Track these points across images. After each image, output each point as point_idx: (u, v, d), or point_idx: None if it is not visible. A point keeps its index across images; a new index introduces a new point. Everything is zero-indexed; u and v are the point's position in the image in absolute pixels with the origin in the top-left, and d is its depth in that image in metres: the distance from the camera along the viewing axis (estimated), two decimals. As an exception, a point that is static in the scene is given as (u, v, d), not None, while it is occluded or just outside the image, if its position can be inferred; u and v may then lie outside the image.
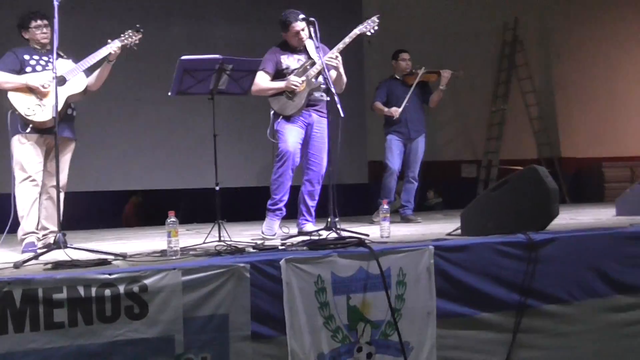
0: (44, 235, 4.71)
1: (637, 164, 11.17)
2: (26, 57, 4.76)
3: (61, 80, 4.59)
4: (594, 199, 10.28)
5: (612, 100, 11.84)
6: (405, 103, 6.74)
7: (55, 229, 4.62)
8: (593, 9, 11.72)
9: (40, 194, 4.69)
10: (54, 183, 4.55)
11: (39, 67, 4.75)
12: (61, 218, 4.19)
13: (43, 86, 4.61)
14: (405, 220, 6.70)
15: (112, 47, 4.73)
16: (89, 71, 4.82)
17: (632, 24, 12.14)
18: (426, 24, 10.71)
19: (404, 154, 6.91)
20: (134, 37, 4.79)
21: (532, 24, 11.57)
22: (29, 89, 4.63)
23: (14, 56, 4.75)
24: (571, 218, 6.20)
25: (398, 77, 7.06)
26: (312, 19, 4.92)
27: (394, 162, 6.83)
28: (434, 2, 10.78)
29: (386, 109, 6.84)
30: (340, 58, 5.16)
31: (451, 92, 10.70)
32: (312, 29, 4.92)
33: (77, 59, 4.82)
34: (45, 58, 4.79)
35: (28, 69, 4.73)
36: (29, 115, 4.58)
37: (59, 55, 4.54)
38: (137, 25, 4.81)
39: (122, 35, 4.78)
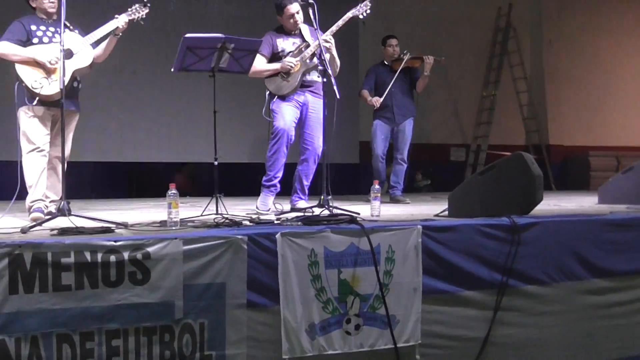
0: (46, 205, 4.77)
1: (623, 153, 11.34)
2: (33, 27, 4.73)
3: (68, 54, 4.58)
4: (580, 187, 10.42)
5: (601, 89, 11.94)
6: (389, 89, 6.93)
7: (57, 198, 4.74)
8: (585, -2, 11.86)
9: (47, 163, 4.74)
10: (57, 154, 4.64)
11: (45, 39, 4.73)
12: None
13: (50, 62, 4.61)
14: (394, 200, 6.87)
15: (120, 21, 4.76)
16: (95, 43, 4.85)
17: (626, 14, 12.19)
18: (421, 7, 10.77)
19: (392, 137, 7.11)
20: (141, 12, 4.82)
21: (526, 10, 11.63)
22: (36, 62, 4.62)
23: (20, 26, 4.71)
24: (555, 204, 6.34)
25: (386, 63, 7.23)
26: (311, 1, 5.05)
27: (378, 146, 7.07)
28: (430, -15, 10.86)
29: (369, 98, 7.05)
30: (333, 41, 5.29)
31: (443, 76, 10.91)
32: (310, 11, 5.03)
33: (83, 30, 4.85)
34: (52, 29, 4.77)
35: (35, 40, 4.70)
36: (35, 89, 4.59)
37: (65, 27, 4.54)
38: (145, 0, 4.84)
39: (129, 9, 4.80)
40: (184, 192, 8.68)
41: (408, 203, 6.76)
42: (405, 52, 7.09)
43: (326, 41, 5.23)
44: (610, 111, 12.00)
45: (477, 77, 11.37)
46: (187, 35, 4.60)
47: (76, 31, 4.84)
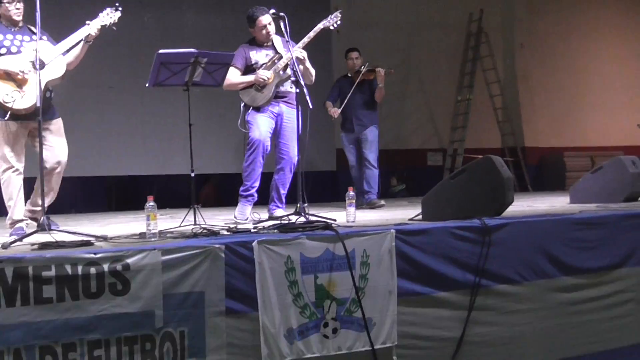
0: (33, 210, 4.77)
1: (597, 153, 11.52)
2: (0, 36, 4.60)
3: (40, 65, 4.39)
4: (556, 188, 10.55)
5: (573, 91, 12.11)
6: (346, 101, 7.19)
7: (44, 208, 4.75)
8: (556, 1, 12.04)
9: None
10: (55, 162, 4.68)
11: (13, 48, 4.59)
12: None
13: (22, 71, 4.46)
14: (370, 205, 6.99)
15: (91, 28, 4.67)
16: (66, 51, 4.74)
17: (596, 17, 12.39)
18: (393, 15, 10.90)
19: (358, 146, 7.32)
20: (112, 16, 4.74)
21: (497, 15, 11.77)
22: (7, 74, 4.47)
23: None
24: (528, 205, 6.47)
25: (349, 75, 7.42)
26: (282, 14, 5.15)
27: (349, 157, 7.40)
28: (401, -7, 10.99)
29: (329, 110, 7.27)
30: (305, 53, 5.39)
31: (418, 82, 11.05)
32: (282, 24, 5.13)
33: (54, 38, 4.76)
34: (19, 37, 4.62)
35: (2, 50, 4.56)
36: (7, 103, 4.44)
37: (33, 34, 4.45)
38: (117, 4, 4.78)
39: (100, 14, 4.72)
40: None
41: (383, 205, 6.93)
42: (365, 64, 7.28)
43: (299, 53, 5.33)
44: (583, 112, 12.18)
45: (451, 82, 11.50)
46: (161, 51, 4.67)
47: (44, 37, 4.69)
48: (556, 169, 11.49)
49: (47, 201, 4.75)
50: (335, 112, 7.21)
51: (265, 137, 5.44)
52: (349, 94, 7.18)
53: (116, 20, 4.77)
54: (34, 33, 4.56)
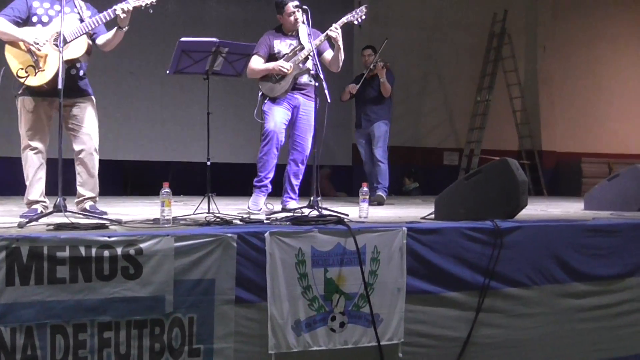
0: (79, 202, 4.75)
1: (614, 161, 11.45)
2: (35, 4, 4.47)
3: (62, 41, 4.21)
4: (572, 193, 10.53)
5: (594, 96, 12.07)
6: (355, 97, 7.46)
7: (92, 195, 4.75)
8: (582, 5, 11.93)
9: (74, 160, 4.69)
10: (82, 147, 4.65)
11: (45, 18, 4.47)
12: (97, 181, 4.53)
13: (36, 42, 4.30)
14: (374, 200, 7.05)
15: (124, 5, 4.46)
16: (107, 28, 4.68)
17: (620, 22, 12.32)
18: (417, 12, 10.91)
19: (368, 142, 7.46)
20: None
21: (521, 17, 11.75)
22: (25, 46, 4.34)
23: (23, 2, 4.44)
24: (542, 209, 6.45)
25: (363, 72, 7.53)
26: (305, 7, 5.16)
27: (361, 152, 7.56)
28: (426, -10, 10.96)
29: (346, 90, 7.46)
30: (339, 31, 5.27)
31: (437, 80, 11.04)
32: (304, 17, 5.14)
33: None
34: (57, 7, 4.44)
35: (34, 18, 4.44)
36: (20, 78, 4.34)
37: (74, 7, 4.35)
38: None
39: None
40: (176, 191, 8.82)
41: (382, 201, 7.03)
42: (377, 61, 7.38)
43: (334, 30, 5.24)
44: (602, 118, 12.12)
45: (471, 82, 11.49)
46: (183, 39, 4.70)
47: (76, 12, 4.55)
48: (572, 175, 11.44)
49: (88, 190, 4.76)
50: (353, 87, 7.39)
51: (279, 129, 5.46)
52: (357, 90, 7.39)
53: (154, 3, 4.52)
54: (75, 6, 4.47)
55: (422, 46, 10.83)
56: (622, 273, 4.96)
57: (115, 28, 4.63)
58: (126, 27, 4.61)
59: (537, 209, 6.29)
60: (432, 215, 4.97)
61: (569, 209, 6.81)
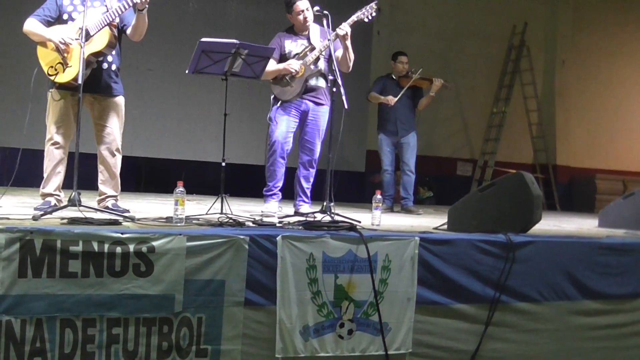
0: (100, 200, 4.77)
1: (630, 178, 11.38)
2: (65, 1, 4.52)
3: (85, 35, 4.23)
4: (585, 209, 10.45)
5: (612, 113, 11.98)
6: (396, 100, 7.12)
7: (114, 193, 4.78)
8: (602, 21, 11.86)
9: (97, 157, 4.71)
10: (104, 147, 4.68)
11: (75, 14, 4.50)
12: (119, 180, 4.59)
13: (62, 42, 4.35)
14: (407, 211, 7.04)
15: None
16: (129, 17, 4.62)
17: (640, 37, 12.31)
18: (436, 20, 10.88)
19: (397, 149, 7.32)
20: None
21: (540, 29, 11.70)
22: (53, 45, 4.40)
23: (53, 1, 4.50)
24: (555, 225, 6.40)
25: (394, 77, 7.40)
26: (325, 12, 5.12)
27: (386, 160, 7.31)
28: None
29: (382, 97, 7.21)
30: (348, 29, 5.16)
31: (454, 91, 10.99)
32: (325, 22, 5.11)
33: None
34: (88, 2, 4.41)
35: (64, 16, 4.48)
36: (51, 75, 4.42)
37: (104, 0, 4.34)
38: None
39: None
40: (189, 190, 8.84)
41: (420, 214, 6.91)
42: (413, 69, 7.26)
43: (342, 30, 5.15)
44: (619, 135, 12.03)
45: (488, 93, 11.45)
46: (203, 39, 4.69)
47: (119, 3, 4.48)
48: (586, 190, 11.37)
49: (110, 188, 4.80)
50: (392, 99, 7.15)
51: (284, 138, 5.43)
52: (399, 95, 7.15)
53: None
54: None
55: (441, 55, 10.79)
56: (634, 292, 4.92)
57: (137, 14, 4.58)
58: (145, 9, 4.50)
59: (550, 224, 6.25)
60: (445, 226, 4.95)
61: (583, 225, 6.75)
